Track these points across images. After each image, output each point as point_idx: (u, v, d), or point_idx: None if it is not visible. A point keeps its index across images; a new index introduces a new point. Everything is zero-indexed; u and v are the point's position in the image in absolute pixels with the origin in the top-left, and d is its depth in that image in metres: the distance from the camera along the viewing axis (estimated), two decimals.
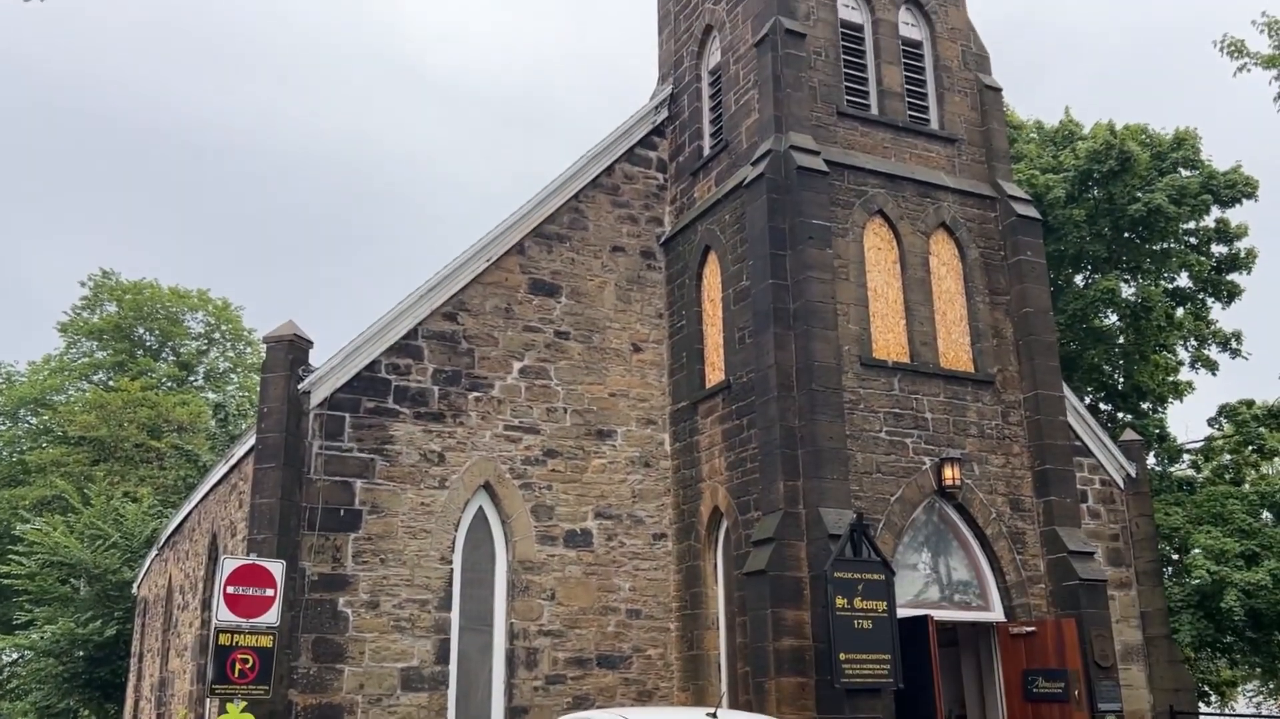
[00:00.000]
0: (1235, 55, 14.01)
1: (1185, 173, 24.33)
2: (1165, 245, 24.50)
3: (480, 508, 13.90)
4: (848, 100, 14.75)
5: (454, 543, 13.44)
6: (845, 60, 14.98)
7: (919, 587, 13.52)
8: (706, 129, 16.06)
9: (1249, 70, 14.01)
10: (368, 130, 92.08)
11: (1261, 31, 13.93)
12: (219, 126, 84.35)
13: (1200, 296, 24.94)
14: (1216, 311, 25.22)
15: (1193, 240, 24.74)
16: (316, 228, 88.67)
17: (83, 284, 40.29)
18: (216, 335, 42.91)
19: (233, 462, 15.32)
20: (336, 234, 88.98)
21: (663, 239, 16.11)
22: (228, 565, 10.06)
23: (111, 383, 37.89)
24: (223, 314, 42.39)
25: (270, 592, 10.21)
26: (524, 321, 14.71)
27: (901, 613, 12.38)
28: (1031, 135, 26.95)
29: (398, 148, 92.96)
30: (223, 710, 9.74)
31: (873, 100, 15.02)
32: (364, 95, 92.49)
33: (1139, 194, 23.58)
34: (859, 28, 15.34)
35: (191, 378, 41.45)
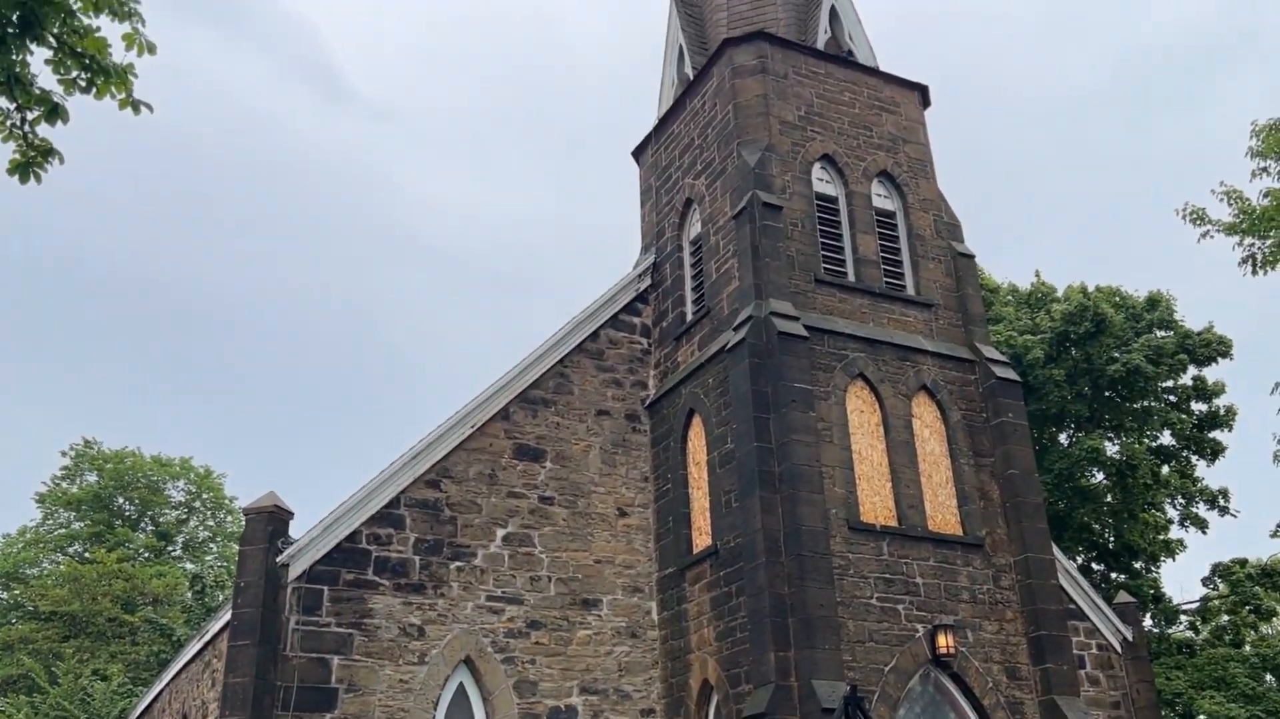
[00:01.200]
0: (1198, 223, 14.51)
1: (1160, 333, 24.85)
2: (1146, 404, 24.78)
3: (461, 684, 13.42)
4: (825, 268, 15.13)
5: None
6: (821, 230, 15.44)
7: None
8: (689, 296, 16.38)
9: (1212, 237, 14.48)
10: (355, 296, 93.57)
11: (1221, 200, 14.47)
12: (206, 292, 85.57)
13: (1185, 454, 25.07)
14: (1202, 469, 25.30)
15: (1172, 398, 25.05)
16: (304, 392, 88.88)
17: (64, 453, 40.00)
18: (197, 504, 42.36)
19: (207, 638, 14.85)
20: (324, 399, 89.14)
21: (647, 402, 16.19)
22: None
23: (87, 554, 37.10)
24: (204, 482, 41.98)
25: None
26: (508, 487, 14.59)
27: None
28: (1007, 297, 27.60)
29: (386, 313, 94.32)
30: None
31: (849, 268, 15.41)
32: (351, 261, 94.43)
33: (1116, 354, 24.00)
34: (833, 199, 15.88)
35: (170, 548, 40.67)
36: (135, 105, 6.50)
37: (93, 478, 40.03)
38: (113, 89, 6.36)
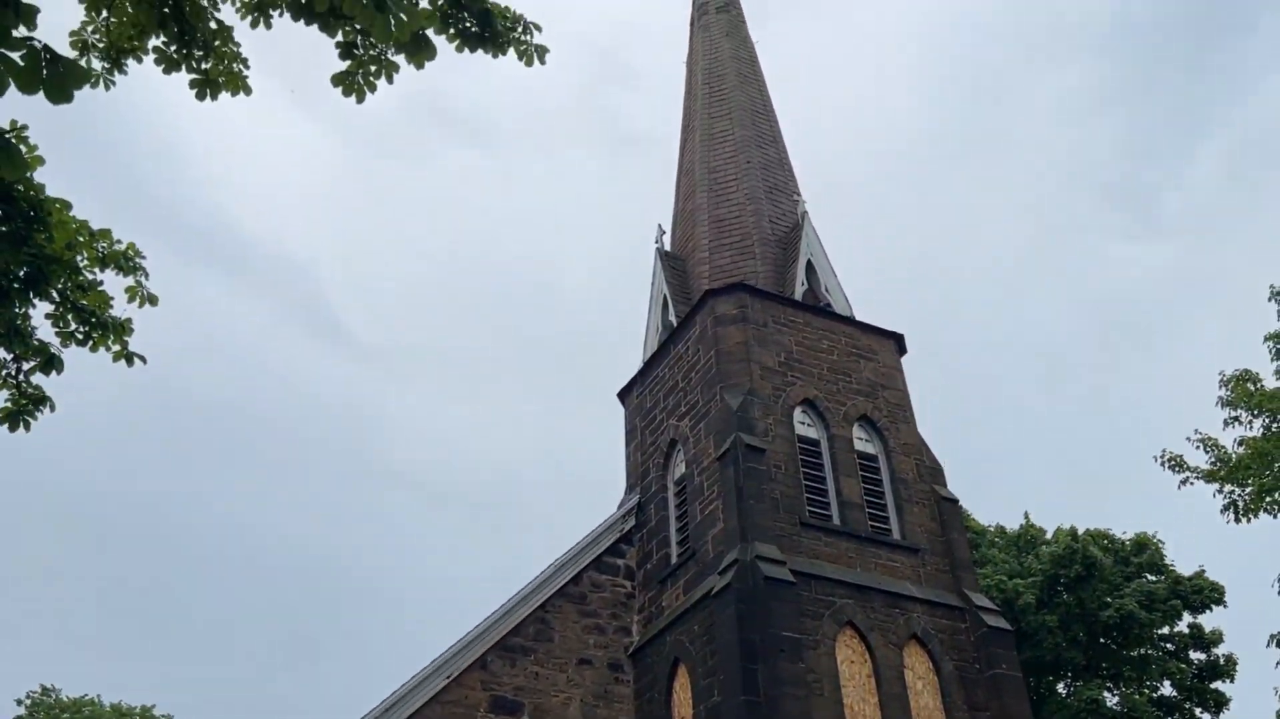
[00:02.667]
0: (1176, 470, 14.68)
1: (1151, 577, 24.56)
2: (1143, 651, 24.16)
3: None
4: (810, 511, 15.09)
5: None
6: (805, 473, 15.52)
7: None
8: (674, 537, 16.23)
9: (1192, 484, 14.61)
10: (339, 532, 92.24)
11: (1197, 448, 14.71)
12: (180, 527, 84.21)
13: (1187, 706, 24.19)
14: None
15: (1170, 646, 24.45)
16: (278, 632, 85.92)
17: (19, 702, 38.06)
18: None
19: None
20: (299, 639, 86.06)
21: (631, 650, 15.70)
22: None
23: None
24: None
25: None
26: None
27: None
28: (995, 539, 27.42)
29: (370, 549, 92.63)
30: None
31: (834, 511, 15.38)
32: (336, 496, 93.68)
33: (1109, 599, 23.62)
34: (816, 443, 16.06)
35: None
36: (129, 358, 6.67)
37: None
38: (110, 343, 6.54)
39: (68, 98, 4.03)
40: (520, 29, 6.52)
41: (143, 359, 6.72)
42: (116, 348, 6.59)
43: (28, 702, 38.22)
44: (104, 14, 6.84)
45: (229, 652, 78.52)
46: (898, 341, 18.08)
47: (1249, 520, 14.21)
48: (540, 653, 15.02)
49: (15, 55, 3.96)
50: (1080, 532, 25.42)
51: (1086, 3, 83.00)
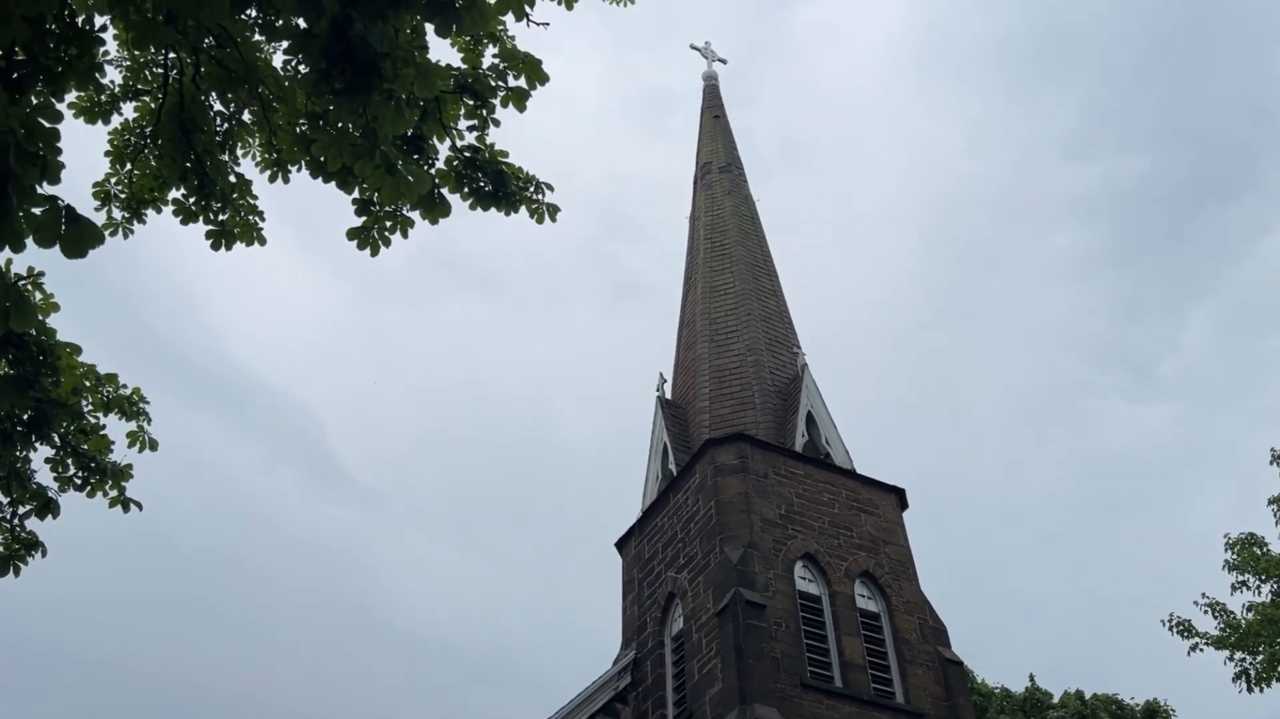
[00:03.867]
0: (1185, 635, 14.36)
1: None
2: None
3: None
4: (810, 672, 14.67)
5: None
6: (806, 631, 15.16)
7: None
8: (670, 697, 15.72)
9: (1201, 650, 14.28)
10: (326, 681, 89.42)
11: (1205, 612, 14.43)
12: (167, 676, 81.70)
13: None
14: None
15: None
16: None
17: None
18: None
19: None
20: None
21: None
22: None
23: None
24: None
25: None
26: None
27: None
28: (1001, 703, 26.58)
29: (358, 701, 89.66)
30: None
31: (835, 672, 14.95)
32: (326, 645, 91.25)
33: None
34: (817, 599, 15.75)
35: None
36: (125, 504, 6.61)
37: None
38: (108, 488, 6.49)
39: (82, 254, 4.12)
40: (533, 189, 6.72)
41: (138, 505, 6.66)
42: (114, 493, 6.55)
43: None
44: (128, 166, 7.06)
45: None
46: (899, 496, 17.95)
47: (1262, 690, 13.82)
48: None
49: (37, 210, 4.07)
50: (1088, 696, 24.67)
51: (1076, 169, 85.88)
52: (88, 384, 6.72)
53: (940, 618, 16.58)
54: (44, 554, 6.68)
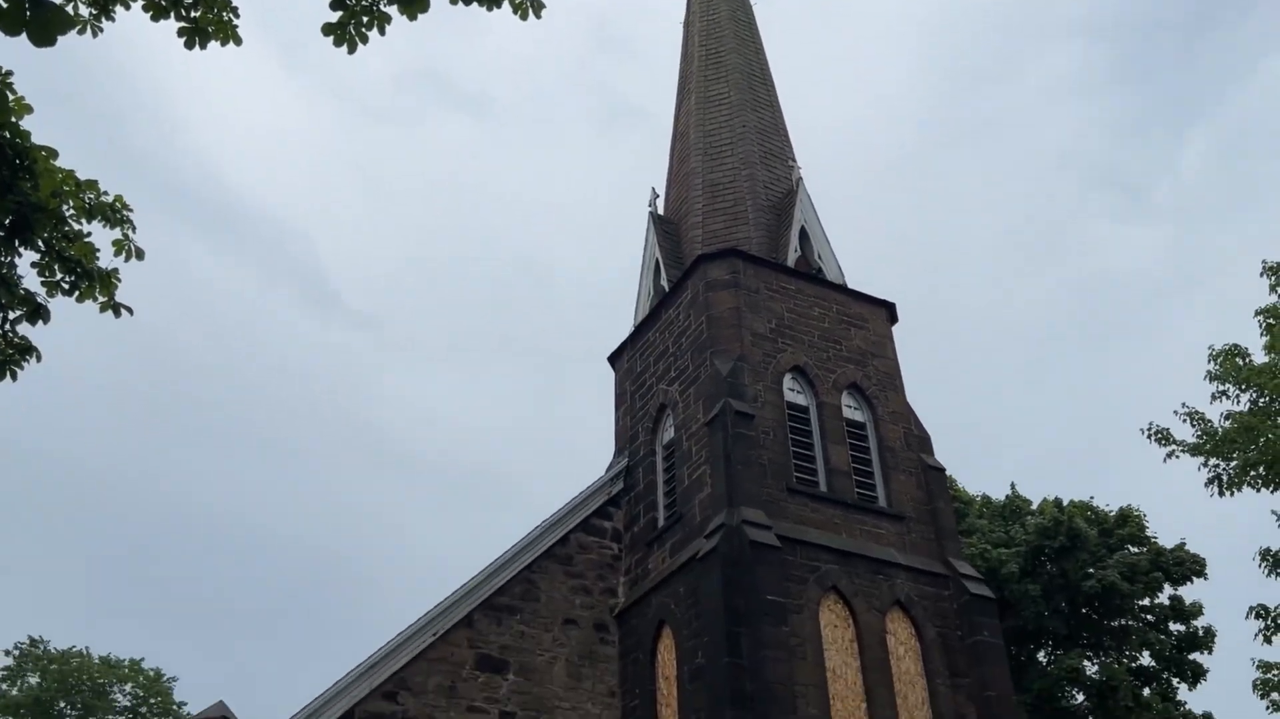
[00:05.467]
0: (1163, 443, 14.75)
1: (1133, 549, 24.78)
2: (1123, 622, 24.42)
3: None
4: (797, 477, 15.15)
5: None
6: (793, 439, 15.56)
7: None
8: (661, 501, 16.29)
9: (1177, 457, 14.70)
10: (324, 499, 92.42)
11: (1184, 421, 14.78)
12: (169, 492, 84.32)
13: (1165, 676, 24.49)
14: (1184, 693, 24.65)
15: (1150, 618, 24.71)
16: (265, 598, 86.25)
17: (7, 653, 38.26)
18: (144, 709, 40.23)
19: None
20: (286, 606, 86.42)
21: (616, 611, 15.80)
22: None
23: None
24: (153, 686, 40.04)
25: None
26: (468, 701, 13.99)
27: None
28: (981, 509, 27.60)
29: (356, 520, 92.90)
30: None
31: (821, 478, 15.44)
32: (323, 466, 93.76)
33: (1091, 570, 23.83)
34: (804, 409, 16.09)
35: None
36: (116, 308, 6.62)
37: (35, 680, 38.15)
38: (97, 293, 6.49)
39: (50, 41, 3.97)
40: None
41: (129, 310, 6.67)
42: (103, 298, 6.54)
43: (16, 653, 38.43)
44: None
45: (216, 616, 78.84)
46: (889, 310, 18.08)
47: (1232, 494, 14.32)
48: (526, 613, 15.11)
49: None
50: (1065, 503, 25.61)
51: None
52: (67, 189, 6.62)
53: (924, 427, 17.00)
54: (39, 359, 6.74)
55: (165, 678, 40.66)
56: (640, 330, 18.57)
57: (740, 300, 16.45)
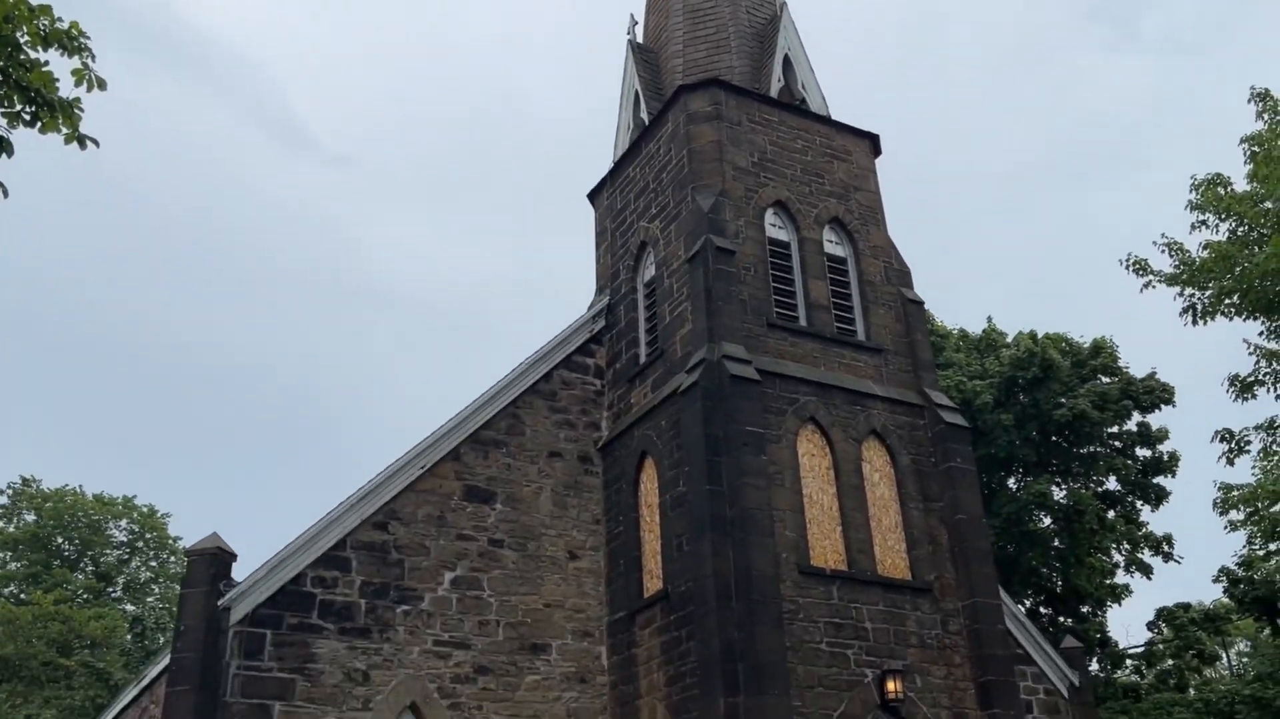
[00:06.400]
0: (1140, 273, 14.85)
1: (1105, 379, 25.31)
2: (1092, 449, 25.17)
3: None
4: (777, 312, 15.25)
5: None
6: (774, 275, 15.59)
7: None
8: (642, 338, 16.42)
9: (1154, 287, 14.82)
10: (308, 340, 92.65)
11: (1162, 251, 14.84)
12: (157, 330, 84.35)
13: (1130, 500, 25.45)
14: (1146, 514, 25.69)
15: (1118, 444, 25.47)
16: (254, 435, 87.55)
17: (1, 492, 38.97)
18: (140, 544, 41.40)
19: (144, 683, 14.47)
20: (274, 442, 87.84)
21: (600, 444, 16.14)
22: None
23: (23, 596, 36.06)
24: (148, 521, 41.08)
25: None
26: (457, 530, 14.43)
27: None
28: (958, 343, 27.99)
29: (339, 360, 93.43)
30: None
31: (801, 312, 15.55)
32: (305, 307, 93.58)
33: (1063, 400, 24.38)
34: (786, 245, 16.06)
35: (110, 589, 39.65)
36: (81, 140, 6.43)
37: (31, 517, 39.02)
38: (60, 124, 6.29)
39: None
40: None
41: (95, 142, 6.48)
42: (67, 130, 6.34)
43: (9, 492, 39.16)
44: None
45: (204, 456, 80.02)
46: (872, 142, 17.82)
47: (1205, 323, 14.52)
48: (512, 446, 15.41)
49: None
50: (1040, 336, 25.97)
51: None
52: (19, 14, 6.31)
53: (905, 261, 17.03)
54: (5, 195, 6.58)
55: (159, 514, 41.67)
56: (620, 165, 18.28)
57: (722, 133, 16.16)
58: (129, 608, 38.37)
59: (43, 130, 6.30)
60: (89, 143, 6.49)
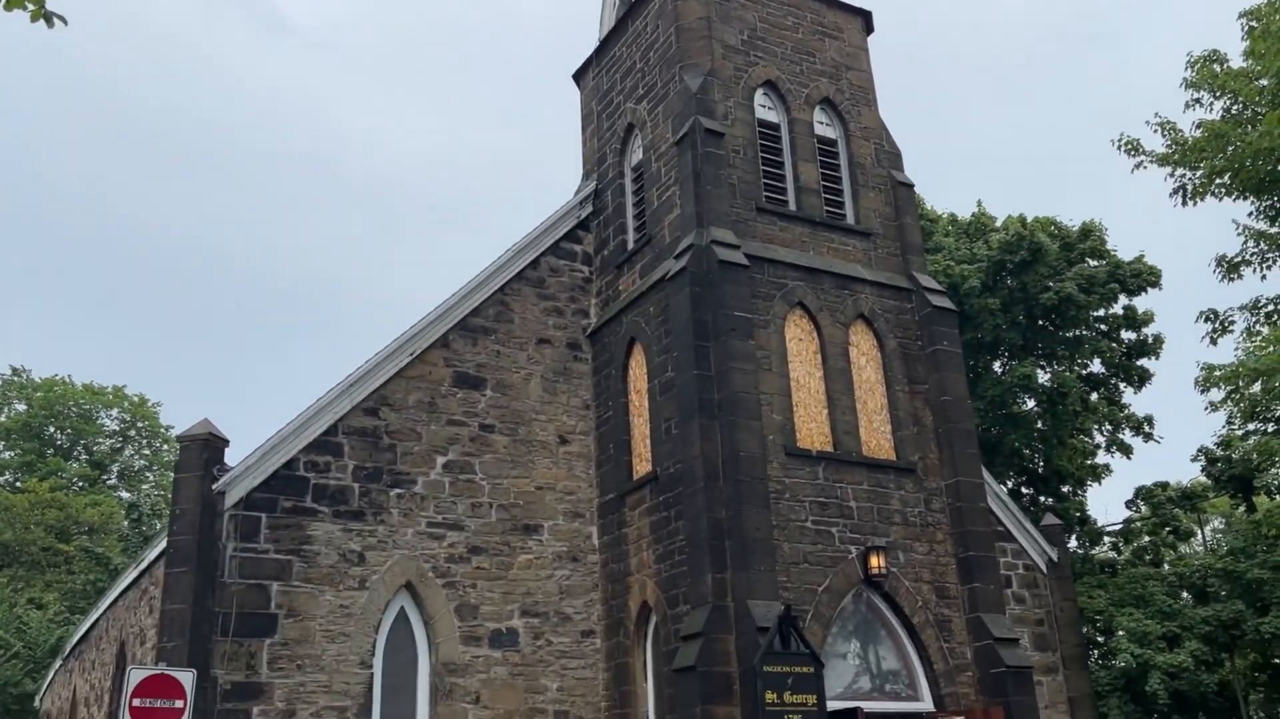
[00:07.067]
0: (1132, 153, 14.69)
1: (1093, 262, 25.33)
2: (1077, 333, 25.34)
3: (402, 609, 13.52)
4: (766, 196, 15.11)
5: (374, 646, 13.02)
6: (763, 158, 15.39)
7: (849, 678, 13.42)
8: (630, 224, 16.28)
9: (1145, 168, 14.70)
10: (294, 229, 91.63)
11: (1155, 131, 14.66)
12: (142, 221, 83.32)
13: (1113, 382, 25.75)
14: (1129, 396, 26.03)
15: (1103, 327, 25.63)
16: (242, 325, 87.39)
17: None
18: (132, 433, 41.72)
19: (143, 565, 14.75)
20: (261, 332, 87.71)
21: (589, 331, 16.17)
22: (135, 676, 9.62)
23: (19, 484, 36.46)
24: (139, 410, 41.29)
25: (180, 703, 9.78)
26: (448, 415, 14.55)
27: (832, 705, 12.25)
28: (947, 228, 27.86)
29: (322, 246, 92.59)
30: None
31: (790, 196, 15.41)
32: (286, 192, 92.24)
33: (1050, 283, 24.43)
34: (775, 127, 15.81)
35: (105, 477, 40.11)
36: (48, 18, 6.19)
37: (22, 407, 39.17)
38: (26, 1, 6.05)
39: None
40: None
41: (63, 20, 6.25)
42: (33, 6, 6.10)
43: None
44: None
45: (190, 342, 79.89)
46: (865, 20, 17.40)
47: (1195, 204, 14.46)
48: (501, 333, 15.43)
49: None
50: (1029, 220, 25.85)
51: None
52: None
53: (896, 143, 16.81)
54: None
55: (150, 403, 41.87)
56: (606, 44, 17.83)
57: (710, 9, 15.73)
58: (125, 495, 38.88)
59: (8, 7, 6.07)
60: (56, 20, 6.25)
